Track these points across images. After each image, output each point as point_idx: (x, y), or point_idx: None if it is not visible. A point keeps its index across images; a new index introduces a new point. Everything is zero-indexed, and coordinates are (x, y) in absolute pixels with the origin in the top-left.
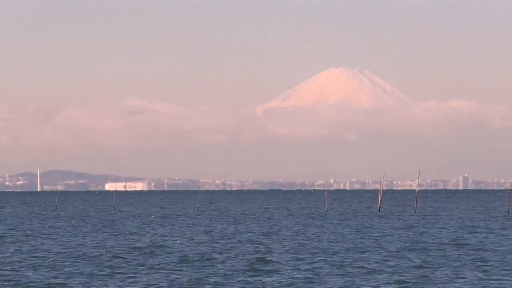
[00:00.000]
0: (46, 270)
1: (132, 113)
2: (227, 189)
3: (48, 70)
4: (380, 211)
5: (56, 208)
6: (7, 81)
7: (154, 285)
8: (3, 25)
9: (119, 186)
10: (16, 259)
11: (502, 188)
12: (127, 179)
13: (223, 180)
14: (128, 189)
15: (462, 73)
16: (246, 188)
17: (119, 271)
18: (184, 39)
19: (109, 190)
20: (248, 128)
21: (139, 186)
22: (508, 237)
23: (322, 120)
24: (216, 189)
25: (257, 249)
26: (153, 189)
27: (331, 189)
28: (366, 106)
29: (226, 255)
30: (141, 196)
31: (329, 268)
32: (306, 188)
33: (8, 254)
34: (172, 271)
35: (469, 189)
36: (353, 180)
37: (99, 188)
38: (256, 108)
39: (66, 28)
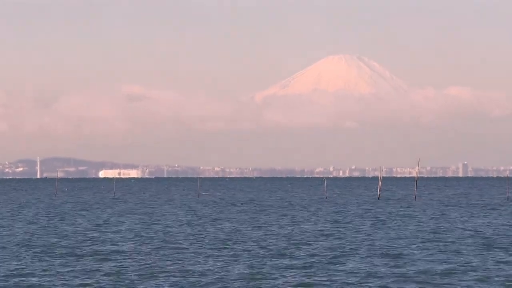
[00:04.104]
0: None
1: (131, 101)
2: (227, 176)
3: (46, 57)
4: (380, 198)
5: (55, 195)
6: (5, 67)
7: None
8: (1, 11)
9: (113, 173)
10: None
11: (501, 176)
12: (126, 166)
13: (222, 167)
14: (123, 176)
15: (460, 61)
16: (245, 175)
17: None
18: (183, 26)
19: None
20: (246, 116)
21: (133, 173)
22: None
23: (321, 107)
24: (216, 176)
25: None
26: (147, 176)
27: (330, 176)
28: (365, 94)
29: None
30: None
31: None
32: (306, 176)
33: None
34: None
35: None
36: (353, 167)
37: (98, 175)
38: (255, 95)
39: (65, 14)
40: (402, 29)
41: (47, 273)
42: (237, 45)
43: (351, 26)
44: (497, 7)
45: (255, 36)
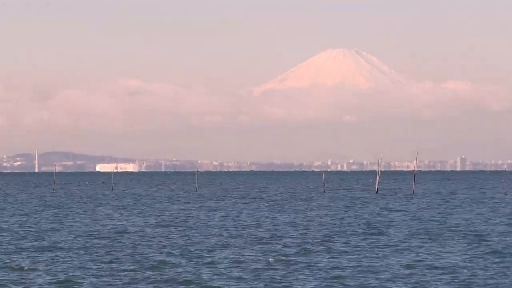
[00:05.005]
0: None
1: (130, 94)
2: (225, 170)
3: (44, 51)
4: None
5: (53, 189)
6: (4, 61)
7: None
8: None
9: (110, 168)
10: None
11: (499, 170)
12: (124, 161)
13: (220, 161)
14: (120, 170)
15: (459, 55)
16: (244, 169)
17: None
18: (180, 20)
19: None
20: (245, 110)
21: (130, 168)
22: None
23: (319, 101)
24: (214, 170)
25: None
26: (144, 170)
27: (328, 170)
28: (363, 88)
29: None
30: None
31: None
32: (304, 170)
33: None
34: None
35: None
36: (351, 161)
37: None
38: (253, 89)
39: (64, 8)
40: (401, 23)
41: None
42: (235, 39)
43: (350, 19)
44: (496, 0)
45: (254, 29)
